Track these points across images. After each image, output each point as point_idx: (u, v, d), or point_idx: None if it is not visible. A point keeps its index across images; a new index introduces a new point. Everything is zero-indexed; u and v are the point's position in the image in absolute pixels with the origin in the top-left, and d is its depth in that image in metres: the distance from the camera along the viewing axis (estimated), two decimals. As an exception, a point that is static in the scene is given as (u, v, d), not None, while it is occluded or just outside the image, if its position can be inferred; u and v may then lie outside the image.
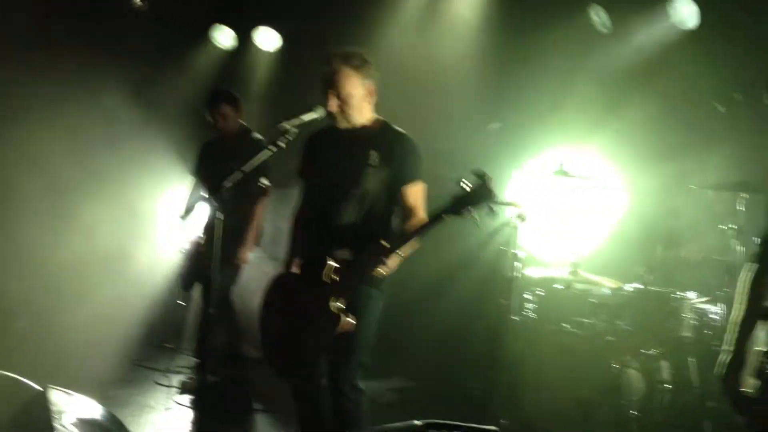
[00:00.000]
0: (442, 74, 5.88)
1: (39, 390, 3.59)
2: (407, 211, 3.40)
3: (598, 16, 5.56)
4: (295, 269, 3.53)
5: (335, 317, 3.17)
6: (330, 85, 3.33)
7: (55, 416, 3.24)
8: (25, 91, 5.57)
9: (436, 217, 3.05)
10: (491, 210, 2.91)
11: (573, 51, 5.53)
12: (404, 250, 3.21)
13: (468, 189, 2.93)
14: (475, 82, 5.80)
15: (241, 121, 5.27)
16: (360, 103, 3.38)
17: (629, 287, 4.50)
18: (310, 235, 3.54)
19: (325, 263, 3.23)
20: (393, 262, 3.22)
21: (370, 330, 3.40)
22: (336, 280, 3.21)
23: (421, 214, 3.38)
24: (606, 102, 5.36)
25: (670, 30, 5.30)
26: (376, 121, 3.50)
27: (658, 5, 5.31)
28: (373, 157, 3.37)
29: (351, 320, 3.18)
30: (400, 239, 3.20)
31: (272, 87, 7.01)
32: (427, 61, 6.00)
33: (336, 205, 3.40)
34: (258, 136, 5.23)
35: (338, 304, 3.18)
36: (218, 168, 4.91)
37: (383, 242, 3.17)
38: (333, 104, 3.35)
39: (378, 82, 3.41)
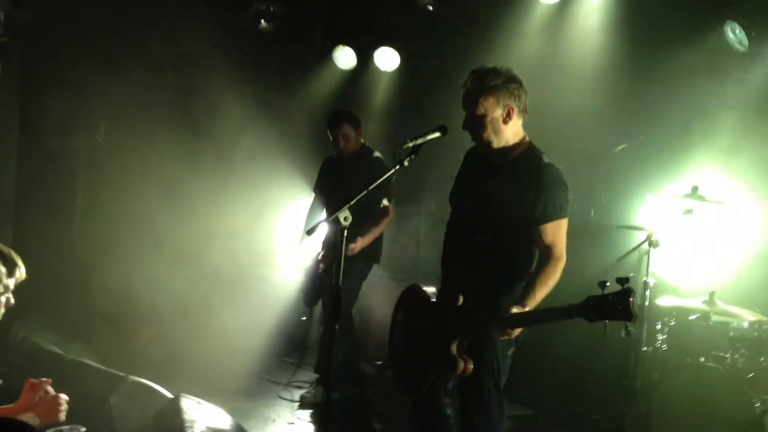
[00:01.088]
0: (566, 95, 5.72)
1: (171, 398, 3.74)
2: (542, 250, 3.11)
3: (735, 34, 5.26)
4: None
5: (453, 360, 3.00)
6: (463, 104, 3.20)
7: (188, 424, 3.32)
8: (159, 115, 5.89)
9: (565, 314, 2.69)
10: (627, 332, 2.55)
11: (706, 70, 5.25)
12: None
13: (608, 298, 2.53)
14: (601, 103, 5.62)
15: (362, 140, 5.28)
16: (496, 125, 3.13)
17: (774, 321, 4.21)
18: (445, 263, 3.39)
19: (455, 297, 3.07)
20: (515, 332, 2.94)
21: (495, 377, 3.17)
22: (459, 320, 3.04)
23: (558, 253, 3.08)
24: (743, 124, 5.05)
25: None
26: (519, 146, 3.21)
27: (802, 23, 4.99)
28: (506, 186, 3.15)
29: (469, 366, 2.99)
30: (521, 317, 2.89)
31: (391, 106, 7.04)
32: (550, 82, 5.85)
33: (467, 236, 3.26)
34: (378, 155, 5.23)
35: (458, 346, 3.01)
36: (339, 187, 5.01)
37: (506, 313, 2.87)
38: (464, 124, 3.20)
39: (523, 101, 3.17)
